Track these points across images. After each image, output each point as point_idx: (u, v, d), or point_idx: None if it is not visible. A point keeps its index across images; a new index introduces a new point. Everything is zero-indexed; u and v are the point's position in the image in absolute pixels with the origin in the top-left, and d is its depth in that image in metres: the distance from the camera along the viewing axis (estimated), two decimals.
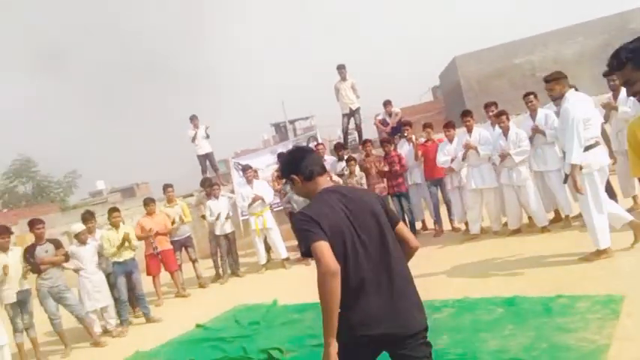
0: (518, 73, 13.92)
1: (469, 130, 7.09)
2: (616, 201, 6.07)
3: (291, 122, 34.00)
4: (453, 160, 7.25)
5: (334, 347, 2.05)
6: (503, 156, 6.55)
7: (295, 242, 9.08)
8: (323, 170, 2.41)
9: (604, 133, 6.18)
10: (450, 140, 7.39)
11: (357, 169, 8.23)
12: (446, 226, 8.10)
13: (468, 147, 6.92)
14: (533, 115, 6.59)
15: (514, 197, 6.73)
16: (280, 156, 9.19)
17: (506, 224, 7.13)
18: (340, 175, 8.47)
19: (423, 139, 8.29)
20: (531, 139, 6.45)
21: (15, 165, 32.78)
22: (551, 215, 6.93)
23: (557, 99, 5.13)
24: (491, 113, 7.22)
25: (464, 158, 7.02)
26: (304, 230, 2.13)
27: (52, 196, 33.09)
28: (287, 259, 8.40)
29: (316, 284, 2.03)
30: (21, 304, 5.89)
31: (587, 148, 4.90)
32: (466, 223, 7.50)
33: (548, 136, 6.35)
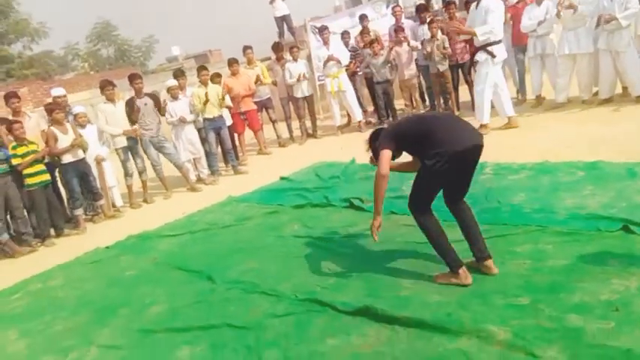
0: None
1: None
2: None
3: None
4: (539, 24, 6.78)
5: (377, 220, 3.03)
6: (609, 19, 6.00)
7: (371, 108, 9.20)
8: None
9: None
10: (539, 3, 6.83)
11: (439, 32, 7.88)
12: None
13: (569, 5, 6.33)
14: None
15: (610, 64, 6.30)
16: (363, 18, 8.98)
17: (596, 93, 6.79)
18: (421, 42, 8.17)
19: (514, 0, 7.68)
20: None
21: (97, 28, 33.97)
22: None
23: None
24: None
25: (558, 16, 6.47)
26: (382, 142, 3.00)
27: (132, 60, 34.49)
28: (363, 121, 8.60)
29: None
30: (131, 149, 6.59)
31: (495, 43, 6.06)
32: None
33: None
